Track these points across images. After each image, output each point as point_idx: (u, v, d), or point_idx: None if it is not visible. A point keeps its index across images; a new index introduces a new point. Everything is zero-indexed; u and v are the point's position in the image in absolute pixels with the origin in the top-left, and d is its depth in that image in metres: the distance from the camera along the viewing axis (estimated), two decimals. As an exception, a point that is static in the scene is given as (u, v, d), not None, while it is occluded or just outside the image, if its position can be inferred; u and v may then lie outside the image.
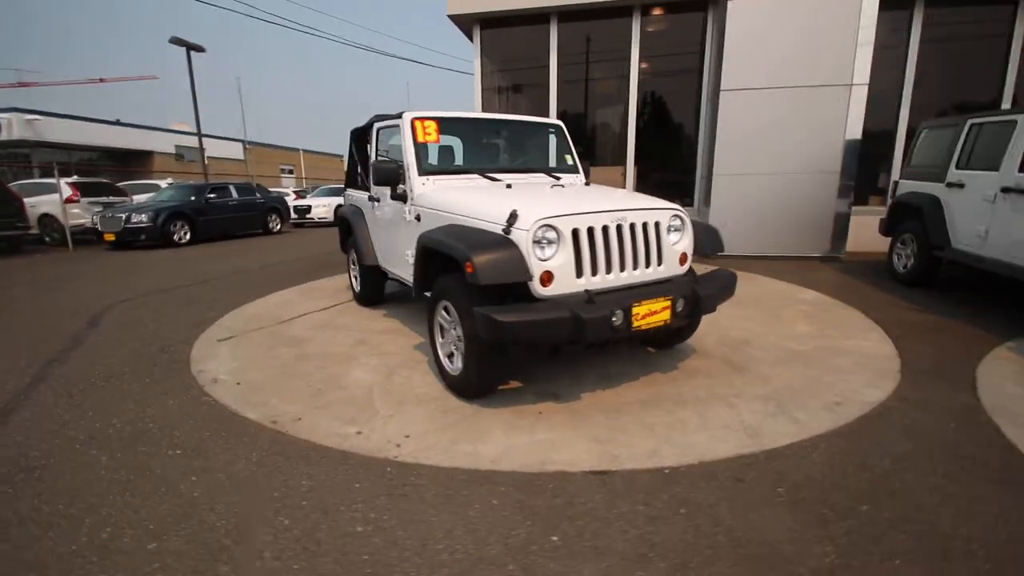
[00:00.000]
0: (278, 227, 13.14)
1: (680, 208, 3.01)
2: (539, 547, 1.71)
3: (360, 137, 4.92)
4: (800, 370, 3.20)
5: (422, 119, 3.58)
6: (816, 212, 6.81)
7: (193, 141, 27.31)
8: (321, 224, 15.42)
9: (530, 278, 2.45)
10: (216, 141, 27.75)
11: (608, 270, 2.69)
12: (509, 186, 3.34)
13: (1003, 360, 3.34)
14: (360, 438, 2.43)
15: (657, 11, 7.63)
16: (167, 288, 6.05)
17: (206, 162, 17.67)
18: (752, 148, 6.82)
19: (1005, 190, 4.11)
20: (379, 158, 3.66)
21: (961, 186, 4.67)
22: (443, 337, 3.00)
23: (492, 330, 2.33)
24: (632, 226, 2.76)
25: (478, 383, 2.71)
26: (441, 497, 1.99)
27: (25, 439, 2.47)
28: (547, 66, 8.05)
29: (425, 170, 3.46)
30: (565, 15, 7.82)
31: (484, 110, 8.39)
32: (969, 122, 4.74)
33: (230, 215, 11.62)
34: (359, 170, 4.82)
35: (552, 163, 4.04)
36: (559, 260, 2.55)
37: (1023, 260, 3.93)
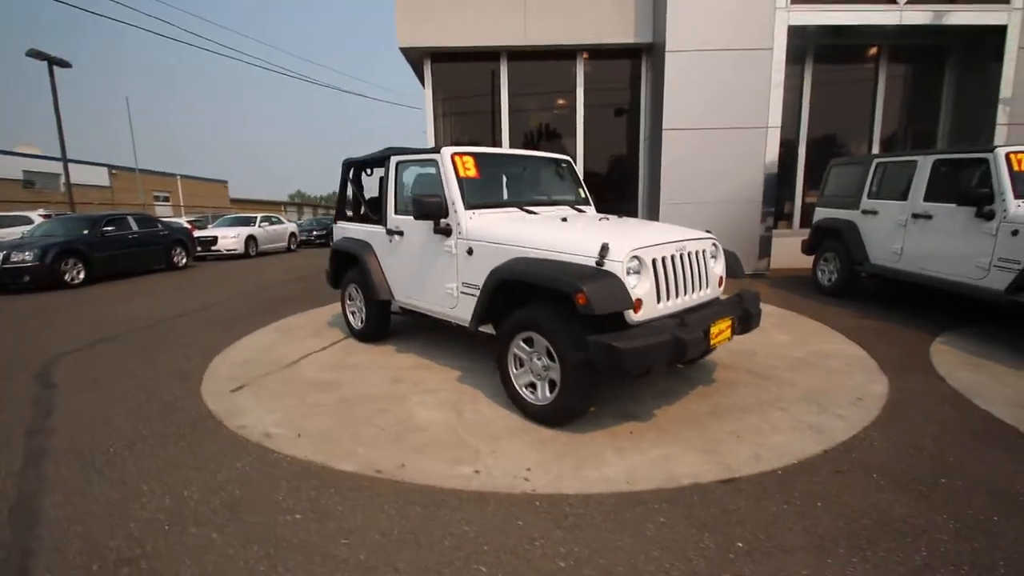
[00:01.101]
0: (184, 261, 11.81)
1: (715, 237, 3.39)
2: (736, 555, 1.86)
3: (357, 169, 4.78)
4: (811, 373, 3.70)
5: (461, 154, 3.63)
6: (744, 235, 7.78)
7: (43, 166, 23.66)
8: (230, 256, 14.12)
9: (631, 306, 2.63)
10: (77, 166, 24.19)
11: (676, 295, 2.96)
12: (565, 219, 3.50)
13: (943, 353, 4.14)
14: (483, 477, 2.39)
15: (596, 57, 8.32)
16: (111, 336, 5.23)
17: (64, 188, 15.38)
18: (691, 180, 7.66)
19: (915, 215, 5.13)
20: (420, 192, 3.61)
21: (875, 213, 5.71)
22: (518, 368, 3.04)
23: (611, 356, 2.46)
24: (689, 254, 3.07)
25: (576, 409, 2.80)
26: (611, 522, 2.05)
27: (87, 529, 2.07)
28: (499, 99, 8.36)
29: (469, 204, 3.50)
30: (515, 55, 8.22)
31: (436, 141, 8.45)
32: (875, 161, 5.83)
33: (130, 250, 10.25)
34: (360, 203, 4.66)
35: (571, 196, 4.27)
36: (644, 288, 2.76)
37: (933, 271, 4.91)
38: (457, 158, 3.59)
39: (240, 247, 14.13)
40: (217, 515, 2.13)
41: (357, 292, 4.63)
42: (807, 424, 2.89)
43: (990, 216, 4.30)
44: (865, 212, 5.86)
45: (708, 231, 3.38)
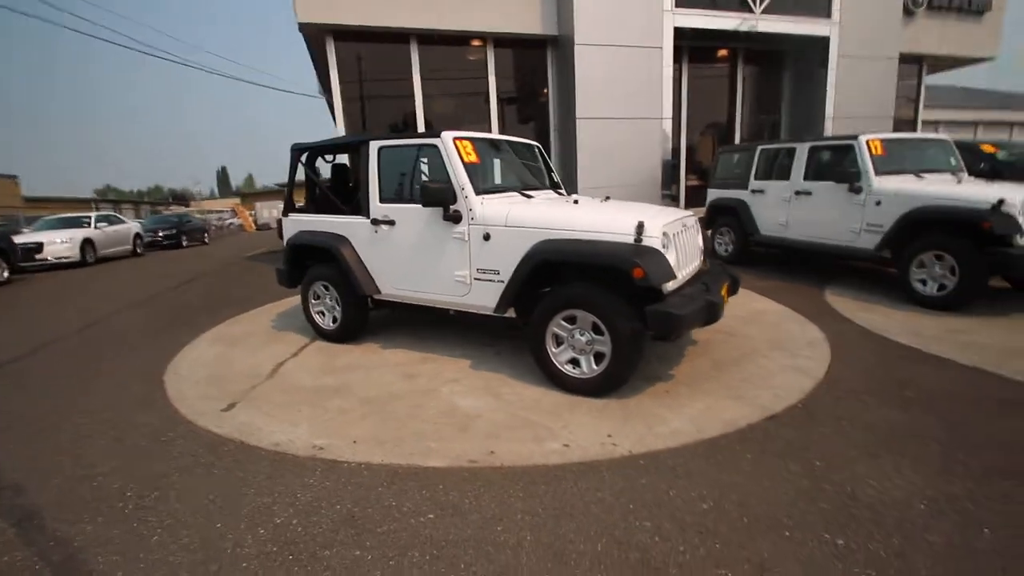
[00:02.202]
0: (5, 275, 9.45)
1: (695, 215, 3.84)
2: (819, 471, 2.25)
3: (312, 156, 4.37)
4: (760, 327, 4.38)
5: (461, 139, 3.57)
6: (647, 215, 8.66)
7: None
8: (59, 266, 11.59)
9: (674, 277, 2.91)
10: None
11: (684, 266, 3.33)
12: (576, 201, 3.64)
13: (837, 301, 5.17)
14: (576, 449, 2.50)
15: (505, 46, 8.48)
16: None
17: None
18: (603, 165, 8.28)
19: (797, 193, 6.24)
20: (426, 179, 3.44)
21: (762, 192, 6.80)
22: (557, 346, 3.15)
23: (669, 324, 2.72)
24: (687, 229, 3.46)
25: (624, 378, 3.02)
26: (712, 466, 2.32)
27: (182, 558, 1.74)
28: (411, 85, 8.09)
29: (479, 189, 3.48)
30: (425, 38, 8.01)
31: (346, 127, 7.91)
32: (759, 148, 6.92)
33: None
34: (323, 192, 4.28)
35: (546, 180, 4.42)
36: (672, 260, 3.06)
37: (815, 237, 6.05)
38: (459, 143, 3.53)
39: (75, 254, 11.67)
40: (344, 535, 1.94)
41: (327, 290, 4.27)
42: (790, 366, 3.48)
43: (859, 191, 5.44)
44: (754, 192, 6.94)
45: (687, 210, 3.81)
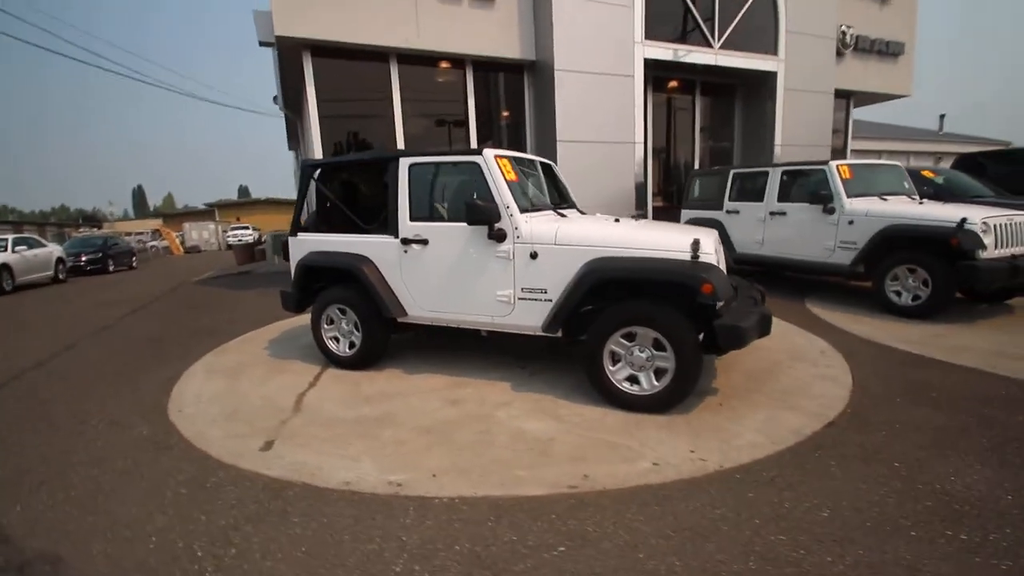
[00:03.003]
0: (-97, 308, 8.15)
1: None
2: (905, 471, 2.36)
3: (327, 173, 4.15)
4: (774, 339, 4.49)
5: (501, 156, 3.53)
6: (622, 235, 8.94)
7: None
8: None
9: (732, 293, 3.00)
10: None
11: (725, 281, 3.45)
12: (617, 220, 3.67)
13: (822, 312, 5.54)
14: (667, 467, 2.47)
15: (484, 68, 8.56)
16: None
17: None
18: (582, 185, 8.42)
19: (772, 213, 6.68)
20: (474, 198, 3.32)
21: (737, 212, 7.22)
22: (614, 364, 3.14)
23: (739, 338, 2.80)
24: (720, 246, 3.60)
25: (687, 392, 3.04)
26: (805, 474, 2.37)
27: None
28: (391, 104, 7.94)
29: (523, 208, 3.44)
30: (405, 57, 7.92)
31: (325, 148, 7.60)
32: (732, 171, 7.37)
33: None
34: (342, 211, 4.05)
35: (566, 198, 4.45)
36: (718, 277, 3.16)
37: (791, 254, 6.48)
38: (499, 160, 3.48)
39: (-14, 281, 10.31)
40: None
41: (343, 314, 4.03)
42: (818, 375, 3.66)
43: (832, 211, 5.91)
44: (728, 212, 7.36)
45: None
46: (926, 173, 7.56)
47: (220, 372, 4.23)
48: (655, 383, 3.05)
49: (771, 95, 10.04)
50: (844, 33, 11.02)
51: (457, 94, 8.49)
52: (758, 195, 6.91)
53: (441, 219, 3.66)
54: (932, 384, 3.41)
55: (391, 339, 4.20)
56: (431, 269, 3.67)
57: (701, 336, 3.00)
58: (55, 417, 3.47)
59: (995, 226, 4.88)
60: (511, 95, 8.94)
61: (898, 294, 5.24)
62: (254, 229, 35.02)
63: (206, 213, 41.65)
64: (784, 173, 6.64)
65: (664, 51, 8.85)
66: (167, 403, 3.59)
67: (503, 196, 3.38)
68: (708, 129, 10.94)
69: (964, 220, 4.81)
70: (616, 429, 2.88)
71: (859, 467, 2.41)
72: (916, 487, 2.23)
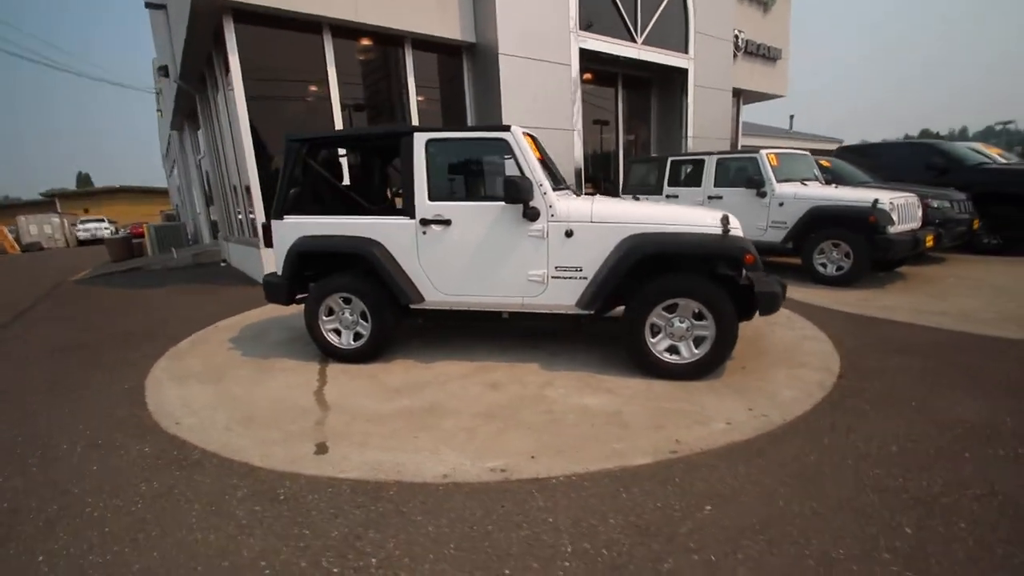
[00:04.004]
0: None
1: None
2: (946, 407, 2.78)
3: (315, 149, 3.74)
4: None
5: (526, 133, 3.45)
6: (562, 220, 9.18)
7: None
8: None
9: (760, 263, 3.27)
10: None
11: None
12: (637, 198, 3.75)
13: (764, 285, 6.21)
14: (738, 426, 2.64)
15: (422, 48, 8.21)
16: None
17: None
18: (525, 172, 8.52)
19: (709, 197, 7.31)
20: (509, 175, 3.18)
21: (676, 196, 7.78)
22: (655, 336, 3.27)
23: (777, 304, 3.07)
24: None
25: (724, 358, 3.25)
26: (862, 418, 2.69)
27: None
28: (327, 83, 7.30)
29: (553, 186, 3.41)
30: (339, 30, 7.31)
31: (255, 128, 6.78)
32: (669, 159, 7.91)
33: None
34: (340, 189, 3.68)
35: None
36: (741, 249, 3.43)
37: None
38: (527, 137, 3.41)
39: None
40: (657, 545, 1.78)
41: (347, 303, 3.70)
42: (801, 336, 4.11)
43: (764, 195, 6.62)
44: (668, 196, 7.91)
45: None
46: (823, 162, 8.74)
47: (194, 377, 3.66)
48: (695, 351, 3.23)
49: (683, 90, 10.90)
50: (737, 37, 12.28)
51: (397, 75, 8.05)
52: (696, 181, 7.50)
53: (464, 198, 3.50)
54: (890, 337, 4.01)
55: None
56: (454, 251, 3.49)
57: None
58: (10, 449, 2.77)
59: (898, 205, 5.83)
60: (451, 78, 8.69)
61: (824, 266, 6.05)
62: (110, 222, 30.27)
63: (44, 204, 34.98)
64: (719, 161, 7.29)
65: (596, 43, 9.18)
66: (150, 416, 3.03)
67: (536, 174, 3.33)
68: (628, 120, 11.57)
69: (876, 201, 5.67)
70: (669, 396, 3.01)
71: (887, 409, 2.79)
72: (938, 419, 2.64)
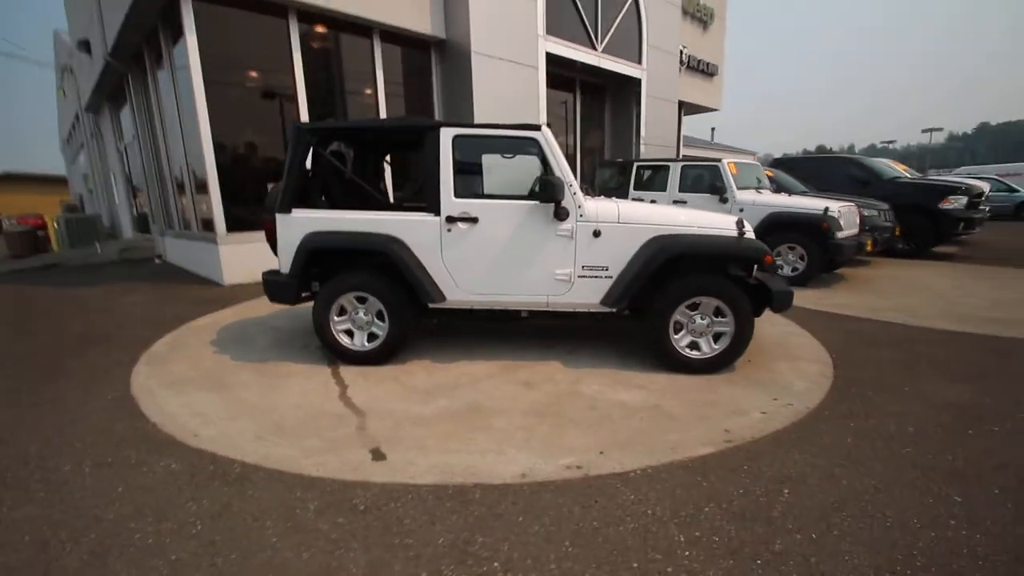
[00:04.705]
0: None
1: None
2: (941, 389, 3.13)
3: (326, 140, 3.54)
4: (720, 307, 5.40)
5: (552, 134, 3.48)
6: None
7: None
8: None
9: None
10: None
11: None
12: (653, 201, 3.88)
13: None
14: (774, 415, 2.83)
15: (391, 41, 7.96)
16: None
17: None
18: (494, 172, 8.53)
19: (675, 202, 7.70)
20: (544, 175, 3.16)
21: (642, 200, 8.12)
22: (677, 333, 3.42)
23: (790, 302, 3.31)
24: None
25: (740, 353, 3.45)
26: (867, 405, 2.97)
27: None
28: (293, 72, 6.88)
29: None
30: (307, 16, 6.92)
31: (212, 114, 6.24)
32: (636, 164, 8.24)
33: None
34: (355, 183, 3.50)
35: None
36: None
37: (690, 237, 7.59)
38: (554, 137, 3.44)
39: None
40: (783, 521, 1.88)
41: (362, 303, 3.53)
42: (785, 332, 4.47)
43: (726, 200, 7.09)
44: (634, 200, 8.23)
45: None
46: (768, 172, 9.49)
47: (190, 384, 3.33)
48: (714, 346, 3.42)
49: (636, 99, 11.39)
50: (682, 52, 13.01)
51: (365, 67, 7.75)
52: (661, 185, 7.87)
53: (490, 196, 3.46)
54: (859, 331, 4.46)
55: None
56: (481, 249, 3.45)
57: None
58: (4, 475, 2.38)
59: (843, 213, 6.47)
60: (420, 74, 8.50)
61: (781, 268, 6.59)
62: (-9, 212, 26.45)
63: None
64: (683, 167, 7.70)
65: (561, 47, 9.37)
66: (158, 429, 2.73)
67: (566, 174, 3.37)
68: (584, 124, 11.90)
69: (827, 208, 6.27)
70: (696, 389, 3.17)
71: (886, 395, 3.10)
72: (933, 403, 2.98)
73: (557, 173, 3.36)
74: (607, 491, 2.12)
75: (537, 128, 3.39)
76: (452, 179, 3.41)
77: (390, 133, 3.80)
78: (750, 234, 3.47)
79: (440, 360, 3.72)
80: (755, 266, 3.43)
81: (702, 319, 3.39)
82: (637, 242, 3.39)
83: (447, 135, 3.39)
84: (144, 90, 8.38)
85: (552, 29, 9.15)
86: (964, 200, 8.70)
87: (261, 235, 6.25)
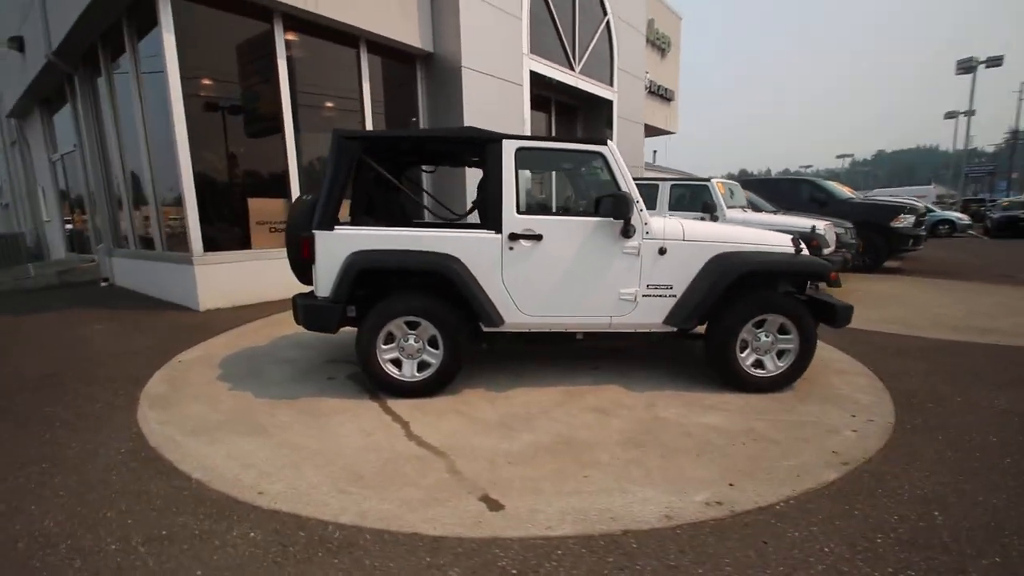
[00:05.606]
0: None
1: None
2: (973, 400, 3.23)
3: (375, 148, 3.24)
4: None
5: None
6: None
7: None
8: None
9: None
10: None
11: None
12: (703, 218, 3.82)
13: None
14: (865, 433, 2.81)
15: (377, 51, 7.65)
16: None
17: None
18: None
19: (664, 220, 7.82)
20: (615, 191, 3.00)
21: (630, 218, 8.20)
22: (743, 351, 3.36)
23: (850, 317, 3.35)
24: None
25: (804, 369, 3.43)
26: (937, 416, 3.02)
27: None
28: (277, 81, 6.40)
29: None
30: (293, 22, 6.49)
31: (192, 125, 5.65)
32: (622, 182, 8.33)
33: None
34: (389, 200, 3.20)
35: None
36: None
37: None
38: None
39: None
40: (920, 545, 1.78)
41: (412, 328, 3.22)
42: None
43: (717, 218, 7.29)
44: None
45: None
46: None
47: (220, 429, 2.86)
48: (779, 364, 3.39)
49: (608, 120, 11.64)
50: (646, 76, 13.51)
51: (351, 76, 7.38)
52: (650, 204, 8.00)
53: (553, 212, 3.28)
54: (871, 342, 4.63)
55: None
56: (545, 268, 3.25)
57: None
58: (23, 560, 1.86)
59: (826, 231, 6.82)
60: (406, 87, 8.21)
61: (772, 283, 6.82)
62: None
63: None
64: (673, 186, 7.88)
65: (544, 67, 9.41)
66: (206, 488, 2.29)
67: (633, 190, 3.26)
68: (556, 143, 11.98)
69: (815, 227, 6.58)
70: (774, 409, 3.11)
71: (946, 405, 3.18)
72: (990, 412, 3.08)
73: (624, 189, 3.24)
74: (768, 529, 1.97)
75: (604, 143, 3.27)
76: (515, 194, 3.20)
77: (447, 144, 3.54)
78: (805, 251, 3.50)
79: (493, 388, 3.45)
80: (814, 283, 3.45)
81: (767, 336, 3.35)
82: (702, 260, 3.33)
83: (510, 147, 3.19)
84: (93, 93, 7.50)
85: (535, 49, 9.18)
86: (912, 219, 9.49)
87: (241, 254, 5.74)
